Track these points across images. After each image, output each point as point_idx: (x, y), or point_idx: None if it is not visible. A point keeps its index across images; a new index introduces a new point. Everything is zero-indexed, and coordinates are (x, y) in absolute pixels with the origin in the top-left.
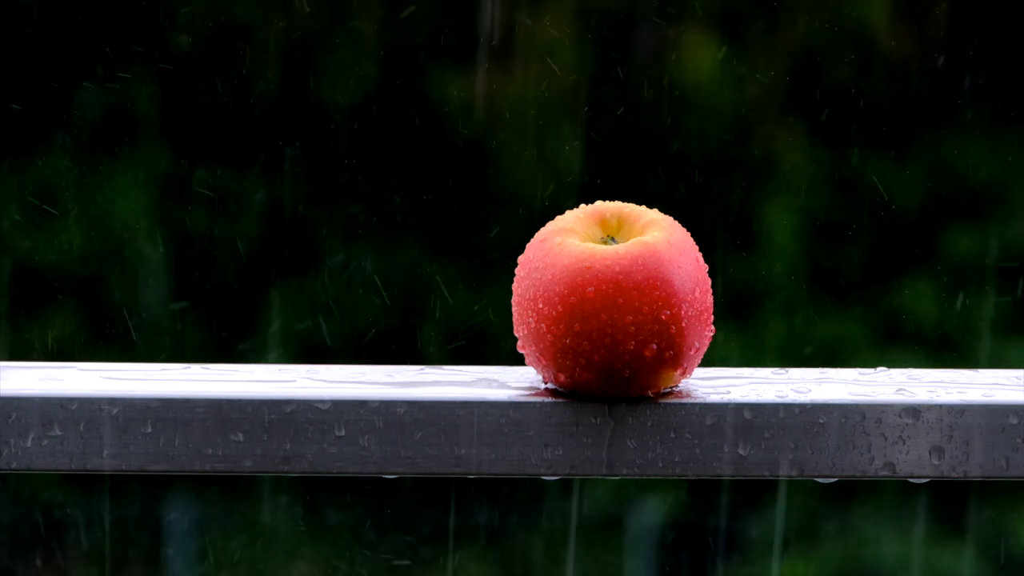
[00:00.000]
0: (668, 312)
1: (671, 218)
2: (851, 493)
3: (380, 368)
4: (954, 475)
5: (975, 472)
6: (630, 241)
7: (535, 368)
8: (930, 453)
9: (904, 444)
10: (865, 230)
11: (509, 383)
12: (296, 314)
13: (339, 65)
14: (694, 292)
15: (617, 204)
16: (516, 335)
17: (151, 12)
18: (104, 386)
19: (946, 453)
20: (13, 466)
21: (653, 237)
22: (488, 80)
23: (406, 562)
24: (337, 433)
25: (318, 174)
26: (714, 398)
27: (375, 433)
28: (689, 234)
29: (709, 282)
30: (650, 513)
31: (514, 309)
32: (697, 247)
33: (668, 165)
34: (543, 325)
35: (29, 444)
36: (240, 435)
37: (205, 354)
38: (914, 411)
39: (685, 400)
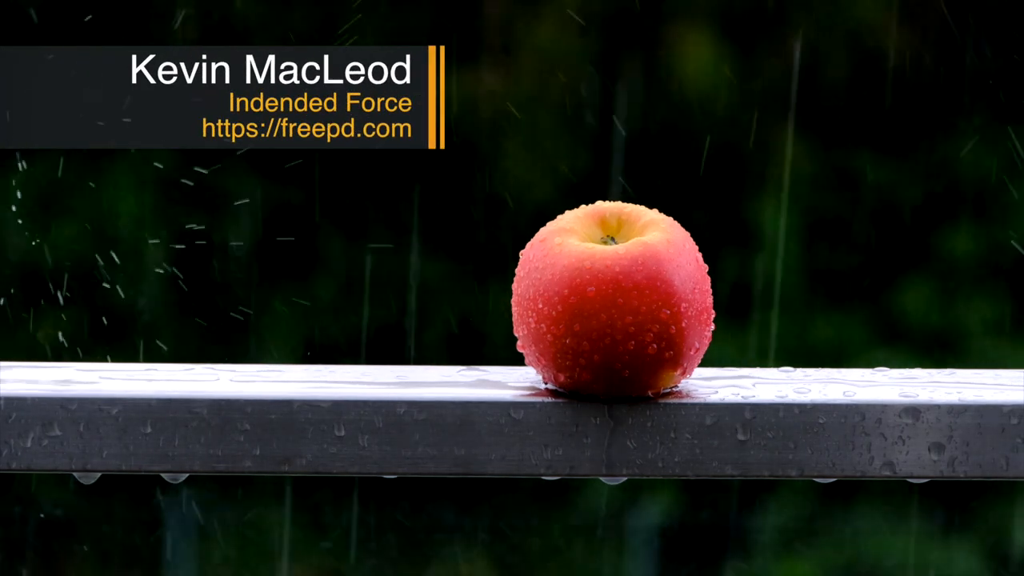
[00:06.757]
0: (668, 312)
1: (671, 218)
2: (851, 493)
3: (380, 368)
4: (954, 475)
5: (975, 472)
6: (630, 241)
7: (535, 368)
8: (930, 453)
9: (904, 444)
10: (864, 230)
11: (509, 383)
12: (296, 314)
13: None
14: (694, 292)
15: (617, 204)
16: (516, 335)
17: (148, 9)
18: (104, 386)
19: (946, 453)
20: (13, 466)
21: (653, 237)
22: (487, 79)
23: (405, 561)
24: (337, 433)
25: (317, 173)
26: (714, 398)
27: (375, 433)
28: (689, 234)
29: (709, 282)
30: (650, 513)
31: (514, 309)
32: (697, 247)
33: (668, 165)
34: (543, 325)
35: (29, 444)
36: (240, 435)
37: (205, 354)
38: (914, 411)
39: (685, 400)
